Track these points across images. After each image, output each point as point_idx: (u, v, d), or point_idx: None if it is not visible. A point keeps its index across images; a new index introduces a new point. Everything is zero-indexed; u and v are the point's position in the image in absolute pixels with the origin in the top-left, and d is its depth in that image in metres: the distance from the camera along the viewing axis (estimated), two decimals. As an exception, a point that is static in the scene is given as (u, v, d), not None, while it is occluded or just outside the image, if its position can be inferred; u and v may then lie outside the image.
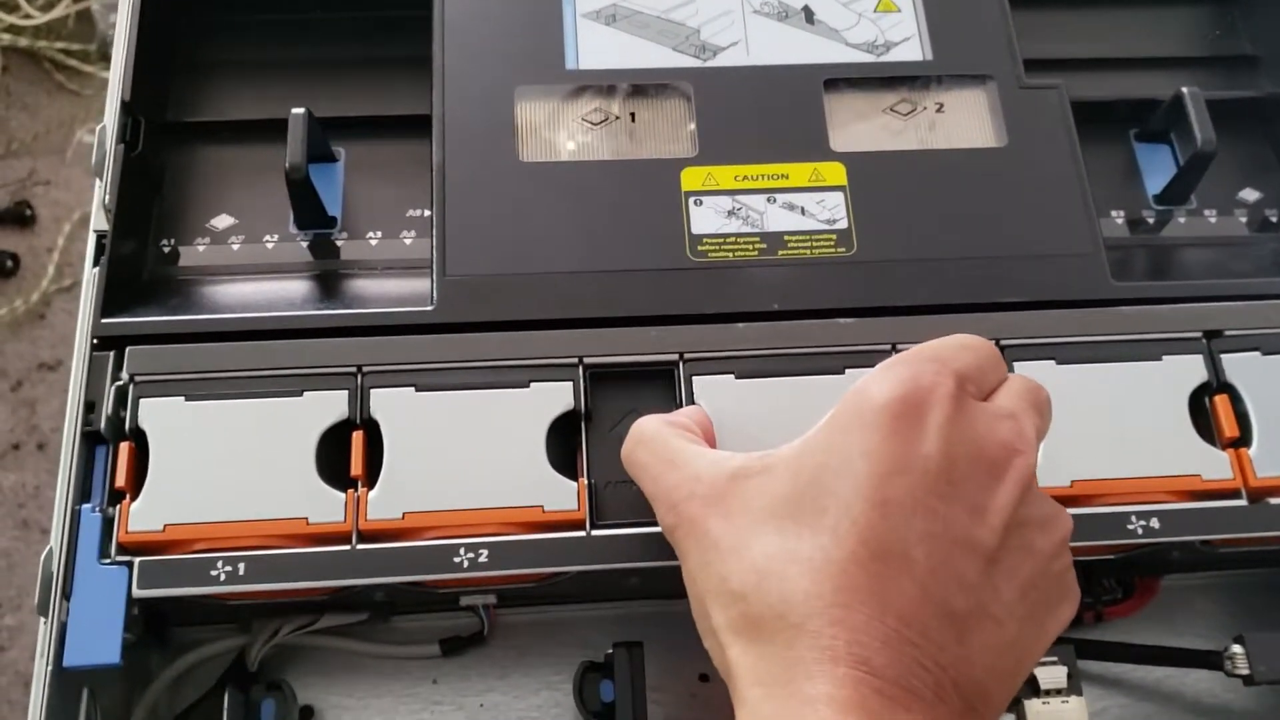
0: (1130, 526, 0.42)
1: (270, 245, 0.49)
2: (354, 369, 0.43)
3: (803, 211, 0.47)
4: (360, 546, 0.41)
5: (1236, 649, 0.42)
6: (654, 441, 0.38)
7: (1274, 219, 0.52)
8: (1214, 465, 0.43)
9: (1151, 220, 0.52)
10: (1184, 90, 0.50)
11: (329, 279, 0.49)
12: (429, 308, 0.44)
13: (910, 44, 0.50)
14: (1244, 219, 0.52)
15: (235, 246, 0.49)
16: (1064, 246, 0.47)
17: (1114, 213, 0.51)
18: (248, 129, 0.51)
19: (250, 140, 0.51)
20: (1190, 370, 0.45)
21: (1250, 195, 0.53)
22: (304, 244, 0.49)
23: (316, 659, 0.48)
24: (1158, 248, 0.51)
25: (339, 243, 0.49)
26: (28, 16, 1.45)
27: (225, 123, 0.51)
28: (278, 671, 0.48)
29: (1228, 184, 0.53)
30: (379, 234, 0.50)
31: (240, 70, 0.53)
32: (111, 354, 0.43)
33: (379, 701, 0.48)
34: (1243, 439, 0.44)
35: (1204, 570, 0.51)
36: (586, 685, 0.46)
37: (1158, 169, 0.52)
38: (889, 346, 0.45)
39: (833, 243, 0.46)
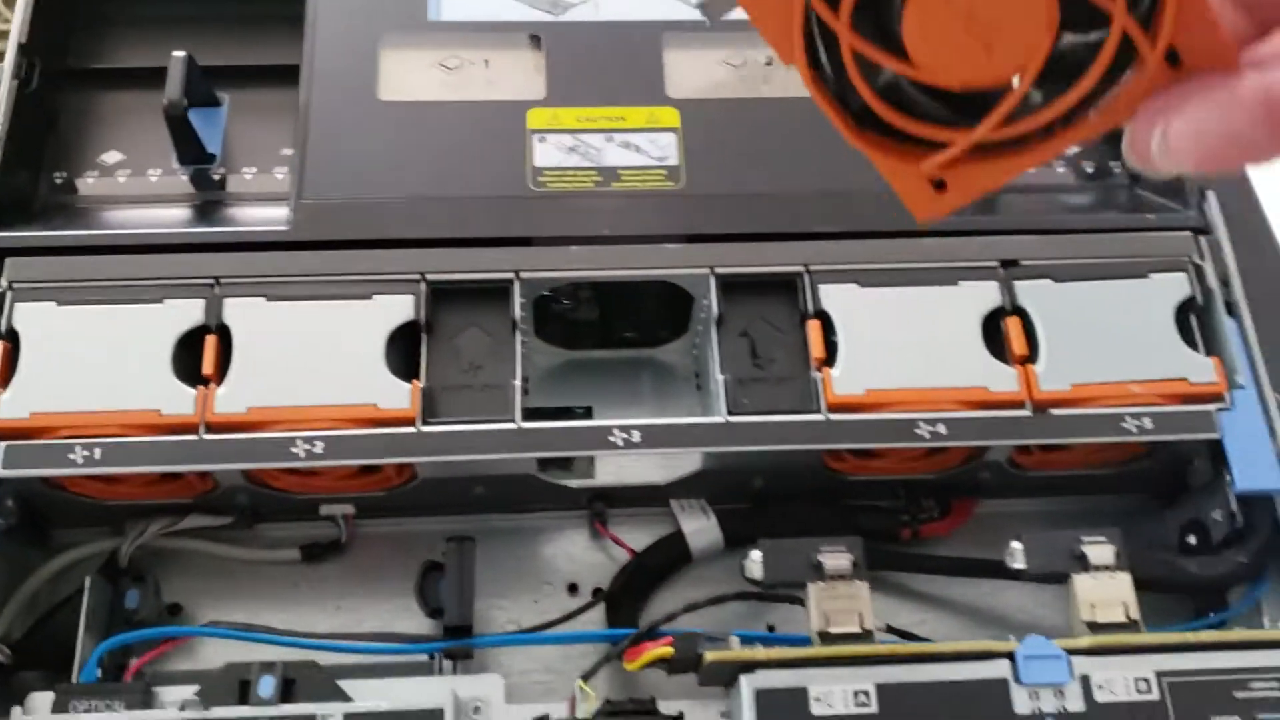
0: (919, 431, 0.46)
1: (154, 178, 0.54)
2: (212, 280, 0.47)
3: (637, 149, 0.51)
4: (207, 436, 0.45)
5: (1016, 545, 0.46)
6: None
7: (1089, 169, 0.56)
8: (1001, 379, 0.47)
9: (973, 168, 0.56)
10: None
11: (205, 208, 0.53)
12: (284, 228, 0.49)
13: None
14: (1060, 169, 0.56)
15: (121, 179, 0.54)
16: (876, 185, 0.51)
17: (937, 160, 0.55)
18: (139, 75, 0.55)
19: (141, 86, 0.55)
20: (985, 294, 0.49)
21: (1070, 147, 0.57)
22: (184, 177, 0.54)
23: (186, 562, 0.52)
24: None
25: (215, 176, 0.54)
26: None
27: (118, 69, 0.56)
28: (148, 572, 0.51)
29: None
30: (254, 169, 0.54)
31: (136, 24, 0.57)
32: (-9, 263, 0.47)
33: (243, 602, 0.51)
34: (1032, 358, 0.48)
35: (1025, 496, 0.54)
36: (427, 583, 0.49)
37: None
38: (708, 270, 0.49)
39: (663, 177, 0.51)
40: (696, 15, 0.54)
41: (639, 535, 0.53)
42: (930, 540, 0.53)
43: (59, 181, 0.53)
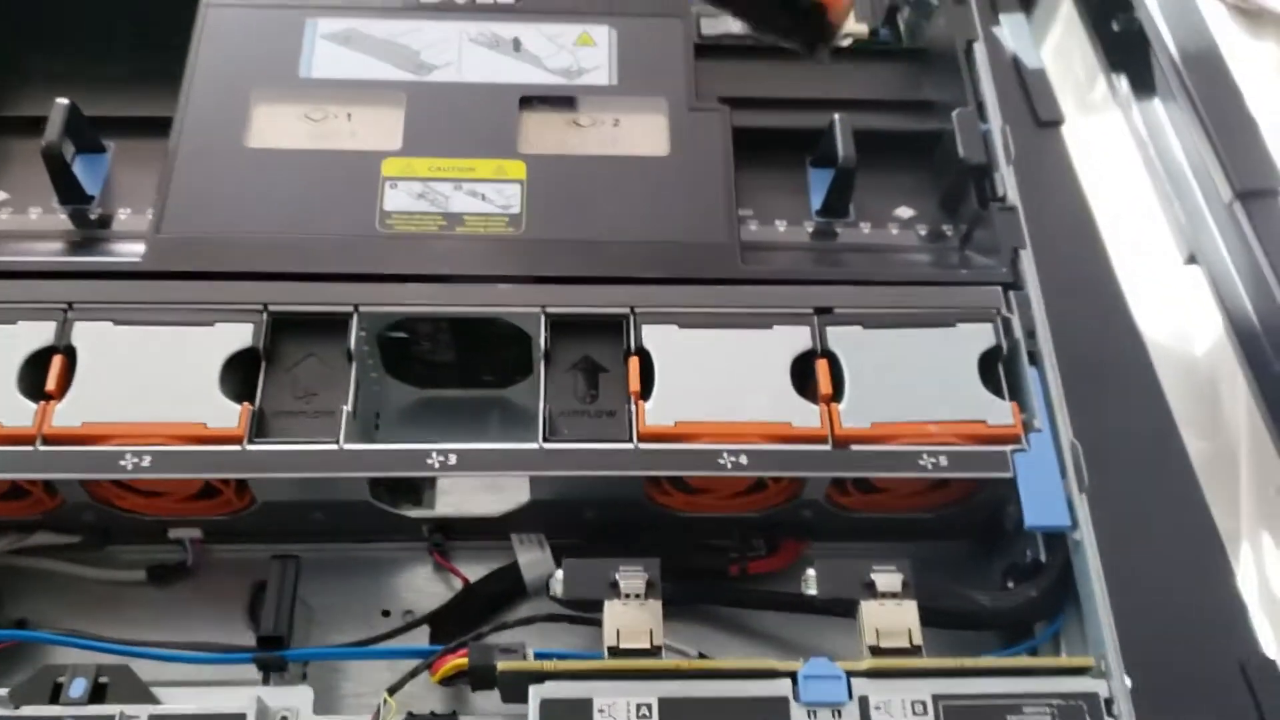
0: (721, 461, 0.48)
1: (34, 216, 0.57)
2: (66, 305, 0.50)
3: (483, 198, 0.54)
4: (43, 448, 0.47)
5: (810, 572, 0.48)
6: None
7: (922, 232, 0.59)
8: (806, 416, 0.50)
9: (810, 229, 0.59)
10: (835, 117, 0.58)
11: (77, 243, 0.56)
12: (137, 259, 0.52)
13: (600, 71, 0.59)
14: (895, 231, 0.59)
15: (4, 216, 0.57)
16: (705, 236, 0.54)
17: (777, 222, 0.59)
18: (31, 122, 0.58)
19: (32, 133, 0.58)
20: (797, 338, 0.51)
21: (905, 212, 0.60)
22: (63, 216, 0.57)
23: (36, 579, 0.54)
24: (803, 247, 0.58)
25: (93, 216, 0.57)
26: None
27: (11, 117, 0.59)
28: (-1, 588, 0.53)
29: (889, 202, 0.60)
30: (129, 210, 0.57)
31: (32, 77, 0.61)
32: None
33: (90, 621, 0.53)
34: (837, 398, 0.50)
35: (854, 539, 0.56)
36: (256, 603, 0.51)
37: (824, 187, 0.59)
38: (539, 309, 0.51)
39: (504, 223, 0.54)
40: (552, 80, 0.58)
41: (480, 568, 0.55)
42: (762, 577, 0.55)
43: (-55, 217, 0.57)
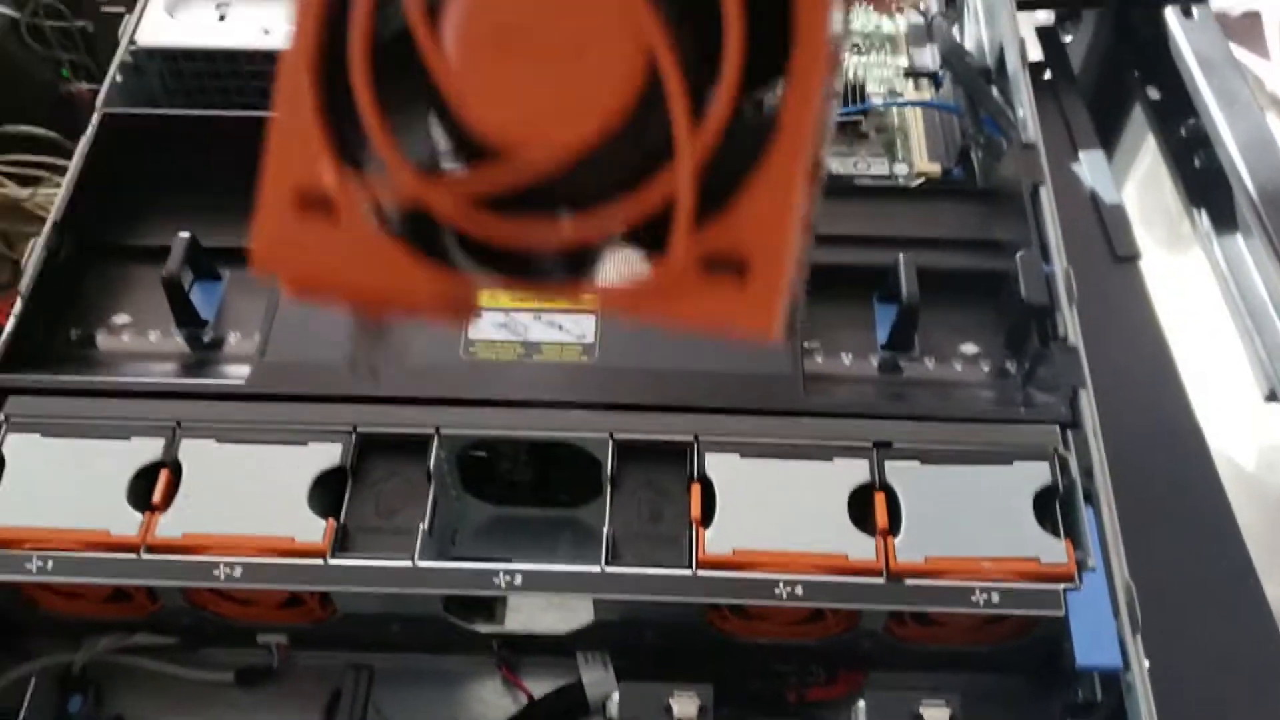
0: (778, 591, 0.50)
1: (153, 338, 0.62)
2: (175, 423, 0.55)
3: (560, 328, 0.58)
4: (145, 556, 0.51)
5: (860, 704, 0.49)
6: None
7: (985, 368, 0.61)
8: (862, 548, 0.51)
9: (875, 362, 0.61)
10: (900, 257, 0.60)
11: (190, 364, 0.61)
12: (241, 382, 0.56)
13: (676, 209, 0.62)
14: (959, 366, 0.61)
15: (126, 338, 0.62)
16: (769, 368, 0.56)
17: (843, 354, 0.61)
18: (154, 252, 0.64)
19: (155, 261, 0.63)
20: (855, 470, 0.53)
21: (970, 349, 0.61)
22: (179, 338, 0.62)
23: (134, 677, 0.57)
24: (867, 380, 0.60)
25: (206, 339, 0.62)
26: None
27: (138, 246, 0.65)
28: (97, 684, 0.57)
29: (955, 338, 0.62)
30: (239, 335, 0.62)
31: (159, 209, 0.67)
32: (-5, 400, 0.56)
33: (181, 719, 0.57)
34: (893, 532, 0.52)
35: (914, 670, 0.57)
36: (332, 709, 0.54)
37: (889, 322, 0.61)
38: (607, 435, 0.54)
39: (578, 352, 0.57)
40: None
41: (546, 684, 0.57)
42: (819, 704, 0.56)
43: (74, 337, 0.62)
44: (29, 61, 1.86)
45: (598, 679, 0.56)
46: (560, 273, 0.29)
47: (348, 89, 0.27)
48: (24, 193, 1.94)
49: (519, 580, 0.51)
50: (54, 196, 1.97)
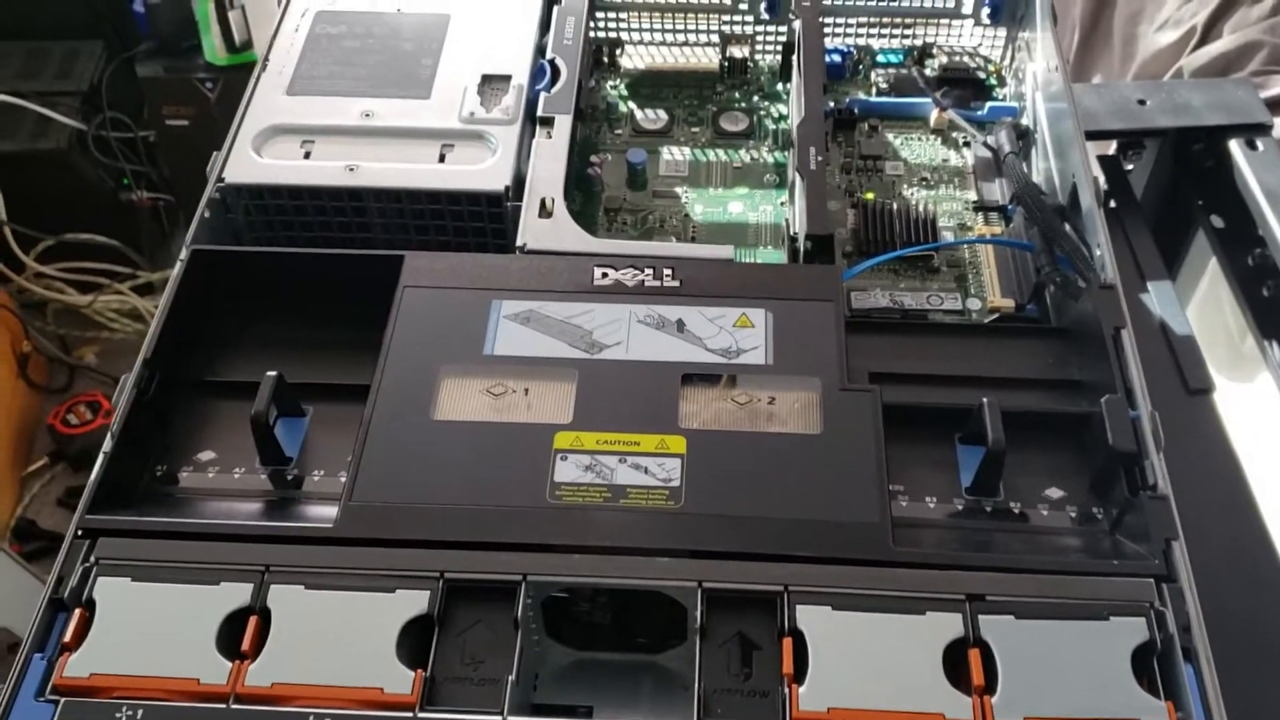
0: (873, 752, 0.49)
1: (237, 475, 0.63)
2: (263, 567, 0.55)
3: (646, 471, 0.58)
4: (235, 706, 0.51)
5: None
6: None
7: (1072, 514, 0.60)
8: (959, 707, 0.50)
9: (960, 506, 0.60)
10: (984, 399, 0.60)
11: (275, 503, 0.61)
12: (329, 525, 0.56)
13: (756, 351, 0.62)
14: (1045, 511, 0.60)
15: (211, 475, 0.63)
16: (857, 515, 0.56)
17: (928, 498, 0.61)
18: (240, 388, 0.65)
19: (240, 396, 0.64)
20: (949, 625, 0.52)
21: (1055, 493, 0.61)
22: (263, 476, 0.62)
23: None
24: (953, 526, 0.59)
25: (290, 476, 0.62)
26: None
27: (223, 382, 0.66)
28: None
29: (1039, 481, 0.61)
30: (323, 472, 0.63)
31: (244, 345, 0.68)
32: (86, 541, 0.56)
33: None
34: (989, 688, 0.51)
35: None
36: None
37: (973, 463, 0.61)
38: (696, 583, 0.54)
39: (665, 497, 0.57)
40: (712, 359, 0.62)
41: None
42: None
43: (159, 473, 0.63)
44: (93, 171, 1.91)
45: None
46: None
47: None
48: (84, 299, 1.99)
49: (610, 736, 0.50)
50: (113, 303, 2.02)
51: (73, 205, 1.83)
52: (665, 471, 0.58)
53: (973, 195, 0.81)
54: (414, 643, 0.53)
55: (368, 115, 0.76)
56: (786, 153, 0.84)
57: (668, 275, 0.66)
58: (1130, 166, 0.94)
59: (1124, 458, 0.58)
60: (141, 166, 1.87)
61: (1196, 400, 0.78)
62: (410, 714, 0.51)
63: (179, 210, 1.91)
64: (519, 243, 0.70)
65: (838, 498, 0.57)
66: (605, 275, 0.66)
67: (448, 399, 0.61)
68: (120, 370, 0.65)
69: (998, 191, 0.80)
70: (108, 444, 0.60)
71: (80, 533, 0.57)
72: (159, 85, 1.74)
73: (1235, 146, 0.87)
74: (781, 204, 0.81)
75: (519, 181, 0.73)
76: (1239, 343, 1.18)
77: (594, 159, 0.83)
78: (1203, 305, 1.03)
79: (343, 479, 0.62)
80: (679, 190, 0.82)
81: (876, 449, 0.58)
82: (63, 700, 0.51)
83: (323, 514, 0.59)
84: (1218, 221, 0.90)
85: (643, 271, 0.66)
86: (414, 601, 0.54)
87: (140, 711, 0.51)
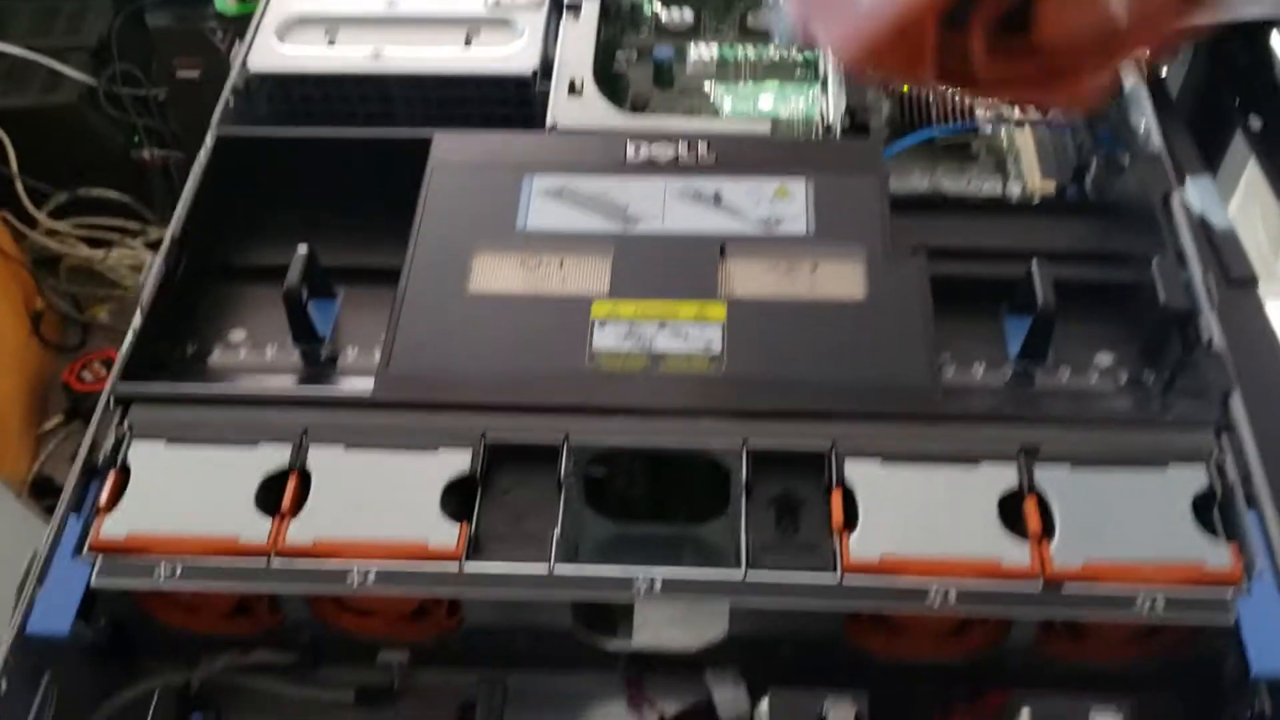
0: (930, 597, 0.48)
1: (270, 352, 0.62)
2: (302, 430, 0.54)
3: (686, 337, 0.57)
4: (276, 562, 0.50)
5: (1025, 711, 0.46)
6: None
7: (1122, 379, 0.59)
8: (1015, 553, 0.49)
9: (1009, 372, 0.59)
10: (1034, 262, 0.59)
11: (309, 376, 0.60)
12: (367, 391, 0.55)
13: (797, 221, 0.61)
14: (1095, 378, 0.59)
15: (243, 353, 0.62)
16: (905, 378, 0.55)
17: (975, 366, 0.59)
18: (271, 271, 0.64)
19: (271, 280, 0.63)
20: (1004, 476, 0.51)
21: (1105, 359, 0.60)
22: (296, 354, 0.61)
23: (251, 697, 0.56)
24: (1003, 393, 0.58)
25: (323, 354, 0.61)
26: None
27: (254, 266, 0.65)
28: (215, 703, 0.56)
29: (1087, 350, 0.60)
30: (356, 349, 0.61)
31: (273, 230, 0.67)
32: (119, 409, 0.55)
33: (299, 739, 0.55)
34: (1047, 536, 0.50)
35: (1064, 690, 0.54)
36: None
37: (1020, 334, 0.60)
38: (740, 443, 0.53)
39: (706, 362, 0.56)
40: (752, 229, 0.61)
41: (675, 702, 0.55)
42: (961, 726, 0.53)
43: (190, 352, 0.62)
44: (103, 127, 1.90)
45: (730, 698, 0.54)
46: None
47: None
48: (96, 255, 1.97)
49: (658, 585, 0.49)
50: (125, 259, 1.99)
51: (84, 161, 1.81)
52: (706, 338, 0.57)
53: (1008, 85, 0.79)
54: (456, 503, 0.52)
55: (392, 2, 0.74)
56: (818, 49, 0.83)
57: (703, 150, 0.64)
58: (1164, 69, 0.93)
59: (1177, 316, 0.57)
60: (152, 122, 1.85)
61: (1239, 292, 0.77)
62: (455, 565, 0.50)
63: (189, 167, 1.89)
64: (549, 123, 0.69)
65: (885, 360, 0.56)
66: (639, 151, 0.65)
67: (482, 273, 0.60)
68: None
69: (1034, 81, 0.78)
70: (137, 319, 0.59)
71: (112, 401, 0.56)
72: (169, 35, 1.72)
73: (1277, 39, 0.85)
74: (814, 98, 0.80)
75: (546, 66, 0.71)
76: (1272, 260, 1.16)
77: (620, 55, 0.82)
78: (1235, 220, 1.01)
79: (377, 355, 0.61)
80: (707, 85, 0.81)
81: (924, 313, 0.57)
82: (100, 557, 0.50)
83: (359, 384, 0.58)
84: (1255, 122, 0.88)
85: (677, 147, 0.65)
86: (456, 461, 0.53)
87: (179, 567, 0.50)
